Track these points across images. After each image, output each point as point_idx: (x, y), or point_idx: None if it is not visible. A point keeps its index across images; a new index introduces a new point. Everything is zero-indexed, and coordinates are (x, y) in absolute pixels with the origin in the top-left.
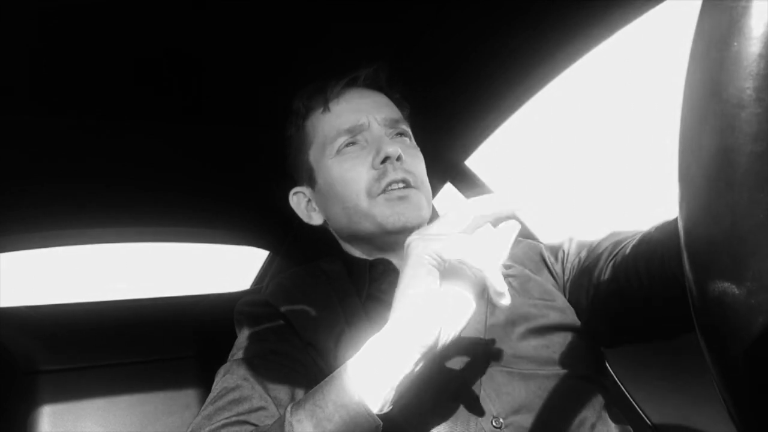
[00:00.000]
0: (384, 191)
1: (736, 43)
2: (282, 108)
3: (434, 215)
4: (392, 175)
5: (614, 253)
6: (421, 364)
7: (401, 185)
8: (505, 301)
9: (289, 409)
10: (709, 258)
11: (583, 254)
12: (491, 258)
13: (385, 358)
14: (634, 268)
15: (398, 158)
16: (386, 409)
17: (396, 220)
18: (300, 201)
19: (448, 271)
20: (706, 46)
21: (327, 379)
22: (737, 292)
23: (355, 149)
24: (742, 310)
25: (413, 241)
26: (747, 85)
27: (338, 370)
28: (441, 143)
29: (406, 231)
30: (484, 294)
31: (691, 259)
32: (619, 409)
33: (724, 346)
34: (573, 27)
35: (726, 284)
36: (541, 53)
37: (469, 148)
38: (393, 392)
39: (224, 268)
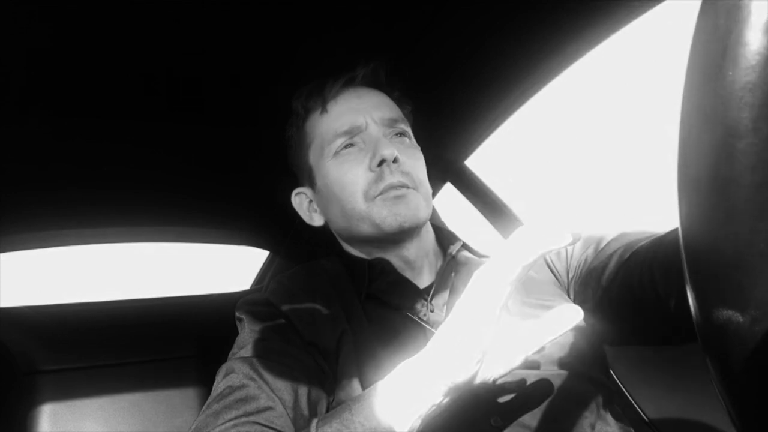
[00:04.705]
0: (381, 193)
1: (730, 73)
2: (282, 108)
3: (434, 215)
4: (389, 179)
5: (626, 256)
6: (450, 396)
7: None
8: None
9: (314, 424)
10: (712, 287)
11: (590, 252)
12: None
13: (416, 386)
14: (649, 275)
15: (395, 160)
16: None
17: (393, 221)
18: (302, 202)
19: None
20: (700, 76)
21: (355, 398)
22: (741, 320)
23: (353, 151)
24: (746, 338)
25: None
26: (743, 115)
27: (367, 391)
28: (441, 143)
29: (404, 231)
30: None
31: (694, 286)
32: (619, 408)
33: (731, 372)
34: (573, 27)
35: (730, 312)
36: (541, 53)
37: (469, 148)
38: (420, 420)
39: (224, 268)
